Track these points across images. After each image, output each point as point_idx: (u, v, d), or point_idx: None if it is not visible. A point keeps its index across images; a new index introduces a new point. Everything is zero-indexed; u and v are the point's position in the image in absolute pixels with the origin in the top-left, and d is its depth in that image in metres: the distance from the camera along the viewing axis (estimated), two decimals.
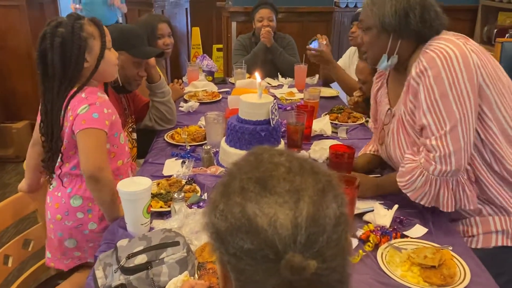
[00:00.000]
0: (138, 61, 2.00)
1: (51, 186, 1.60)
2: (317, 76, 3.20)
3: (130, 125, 2.18)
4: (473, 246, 1.43)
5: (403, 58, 1.47)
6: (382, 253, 1.25)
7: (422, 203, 1.40)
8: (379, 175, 1.65)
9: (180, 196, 1.41)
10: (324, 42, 2.72)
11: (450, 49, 1.32)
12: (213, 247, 0.65)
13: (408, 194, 1.41)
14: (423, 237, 1.34)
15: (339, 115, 2.38)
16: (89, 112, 1.43)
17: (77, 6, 3.85)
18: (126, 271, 1.10)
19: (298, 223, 0.57)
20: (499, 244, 1.42)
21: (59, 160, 1.52)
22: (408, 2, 1.39)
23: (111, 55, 1.55)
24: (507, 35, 3.86)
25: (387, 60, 1.48)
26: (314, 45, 2.69)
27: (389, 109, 1.60)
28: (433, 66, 1.32)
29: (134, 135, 2.22)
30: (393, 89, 1.61)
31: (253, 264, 0.59)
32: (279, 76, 3.22)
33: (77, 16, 1.47)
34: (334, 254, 0.60)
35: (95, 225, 1.56)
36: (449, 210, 1.39)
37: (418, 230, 1.37)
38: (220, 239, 0.62)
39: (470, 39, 1.42)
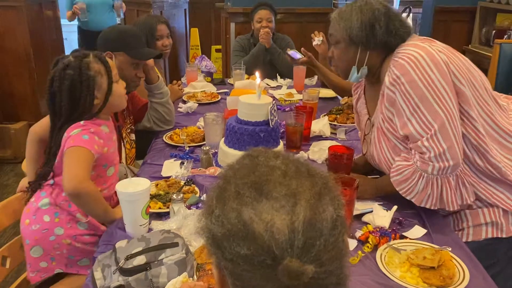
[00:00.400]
0: (136, 62, 2.00)
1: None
2: (316, 77, 3.20)
3: (129, 126, 2.18)
4: (464, 240, 1.45)
5: (374, 69, 1.51)
6: (381, 254, 1.25)
7: (427, 206, 1.40)
8: (377, 176, 1.65)
9: (179, 197, 1.41)
10: (321, 39, 2.72)
11: (417, 52, 1.34)
12: (209, 252, 0.64)
13: (412, 200, 1.41)
14: (422, 238, 1.34)
15: (338, 116, 2.38)
16: (80, 133, 1.45)
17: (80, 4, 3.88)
18: (125, 272, 1.10)
19: (295, 228, 0.57)
20: (489, 236, 1.44)
21: (50, 178, 1.53)
22: (373, 14, 1.43)
23: (119, 87, 1.58)
24: (505, 36, 3.86)
25: (357, 72, 1.51)
26: (293, 54, 2.69)
27: (368, 119, 1.63)
28: (404, 73, 1.34)
29: (133, 136, 2.22)
30: (370, 99, 1.64)
31: (250, 269, 0.59)
32: (278, 77, 3.23)
33: (83, 55, 1.50)
34: (332, 258, 0.60)
35: (61, 230, 1.51)
36: (455, 209, 1.39)
37: (417, 231, 1.37)
38: (217, 244, 0.61)
39: (435, 40, 1.44)
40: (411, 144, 1.39)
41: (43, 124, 1.65)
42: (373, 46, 1.46)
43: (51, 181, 1.54)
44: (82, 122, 1.47)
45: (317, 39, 2.73)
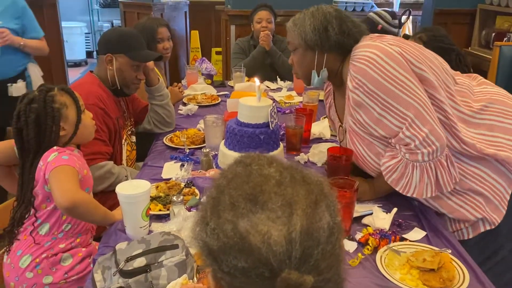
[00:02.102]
0: (136, 64, 2.00)
1: (6, 255, 1.54)
2: None
3: (129, 128, 2.19)
4: (465, 238, 1.49)
5: (334, 71, 1.55)
6: (381, 256, 1.25)
7: (429, 195, 1.41)
8: None
9: (179, 199, 1.41)
10: None
11: (371, 52, 1.37)
12: (205, 263, 0.63)
13: (413, 195, 1.42)
14: (422, 240, 1.34)
15: None
16: (58, 156, 1.45)
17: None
18: (125, 274, 1.10)
19: (292, 238, 0.56)
20: (488, 228, 1.47)
21: (32, 216, 1.50)
22: (325, 18, 1.48)
23: (86, 118, 1.59)
24: (505, 39, 3.86)
25: (318, 75, 1.54)
26: None
27: (340, 125, 1.65)
28: (364, 74, 1.36)
29: (133, 138, 2.23)
30: (340, 105, 1.66)
31: (248, 282, 0.58)
32: (278, 79, 3.23)
33: (47, 89, 1.51)
34: (329, 265, 0.59)
35: (50, 277, 1.49)
36: (451, 188, 1.41)
37: (417, 233, 1.37)
38: (213, 257, 0.61)
39: (385, 35, 1.49)
40: (392, 139, 1.40)
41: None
42: (329, 48, 1.50)
43: (28, 226, 1.50)
44: (55, 147, 1.48)
45: None
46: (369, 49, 1.38)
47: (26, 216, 1.50)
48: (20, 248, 1.50)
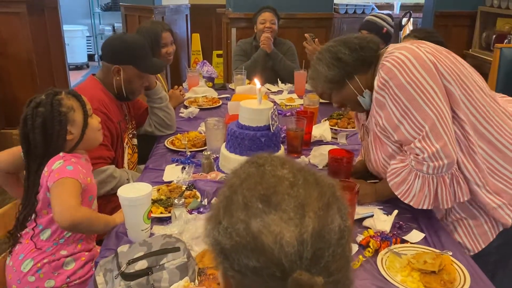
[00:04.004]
0: (143, 74, 2.02)
1: (9, 258, 1.53)
2: None
3: (131, 130, 2.19)
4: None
5: (371, 84, 1.50)
6: (382, 259, 1.25)
7: (424, 207, 1.41)
8: (377, 181, 1.65)
9: (181, 202, 1.41)
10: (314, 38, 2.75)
11: (403, 55, 1.36)
12: (216, 261, 0.64)
13: (410, 203, 1.42)
14: (422, 243, 1.35)
15: (339, 120, 2.39)
16: (63, 165, 1.43)
17: None
18: (126, 277, 1.10)
19: (304, 240, 0.57)
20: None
21: (33, 221, 1.49)
22: (330, 52, 1.49)
23: (94, 122, 1.57)
24: (505, 41, 3.87)
25: (364, 97, 1.51)
26: None
27: (363, 124, 1.64)
28: (392, 77, 1.35)
29: (135, 141, 2.23)
30: None
31: (259, 281, 0.59)
32: (279, 82, 3.24)
33: (54, 92, 1.50)
34: (339, 267, 0.60)
35: (52, 281, 1.48)
36: (448, 206, 1.41)
37: (416, 235, 1.38)
38: (225, 255, 0.61)
39: (425, 42, 1.46)
40: (405, 146, 1.40)
41: (6, 158, 1.59)
42: (353, 70, 1.48)
43: (28, 229, 1.50)
44: (61, 154, 1.46)
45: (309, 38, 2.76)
46: (403, 51, 1.37)
47: (29, 218, 1.50)
48: (22, 252, 1.49)
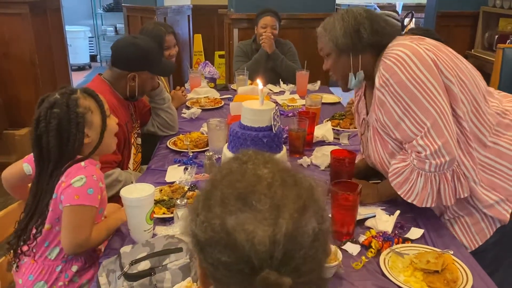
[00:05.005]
0: (154, 76, 2.05)
1: (15, 267, 1.44)
2: (318, 82, 3.20)
3: (136, 130, 2.20)
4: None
5: (369, 71, 1.51)
6: (384, 259, 1.25)
7: (428, 205, 1.41)
8: (379, 181, 1.65)
9: (183, 202, 1.41)
10: None
11: (403, 52, 1.35)
12: (193, 252, 0.67)
13: (413, 202, 1.41)
14: (424, 242, 1.35)
15: (341, 121, 2.39)
16: (84, 187, 1.30)
17: None
18: (129, 277, 1.10)
19: (276, 240, 0.58)
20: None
21: (41, 239, 1.39)
22: (355, 20, 1.45)
23: (112, 123, 1.47)
24: (508, 41, 3.86)
25: (355, 78, 1.51)
26: None
27: (363, 119, 1.64)
28: (392, 74, 1.35)
29: (139, 140, 2.24)
30: (370, 100, 1.64)
31: (229, 275, 0.60)
32: (281, 82, 3.23)
33: (70, 91, 1.38)
34: (311, 269, 0.61)
35: None
36: (452, 203, 1.41)
37: (415, 232, 1.38)
38: (200, 248, 0.63)
39: (425, 38, 1.45)
40: (406, 144, 1.39)
41: (13, 172, 1.50)
42: (363, 49, 1.47)
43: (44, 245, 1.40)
44: (83, 164, 1.35)
45: None
46: (403, 49, 1.36)
47: (39, 229, 1.36)
48: (31, 273, 1.39)
